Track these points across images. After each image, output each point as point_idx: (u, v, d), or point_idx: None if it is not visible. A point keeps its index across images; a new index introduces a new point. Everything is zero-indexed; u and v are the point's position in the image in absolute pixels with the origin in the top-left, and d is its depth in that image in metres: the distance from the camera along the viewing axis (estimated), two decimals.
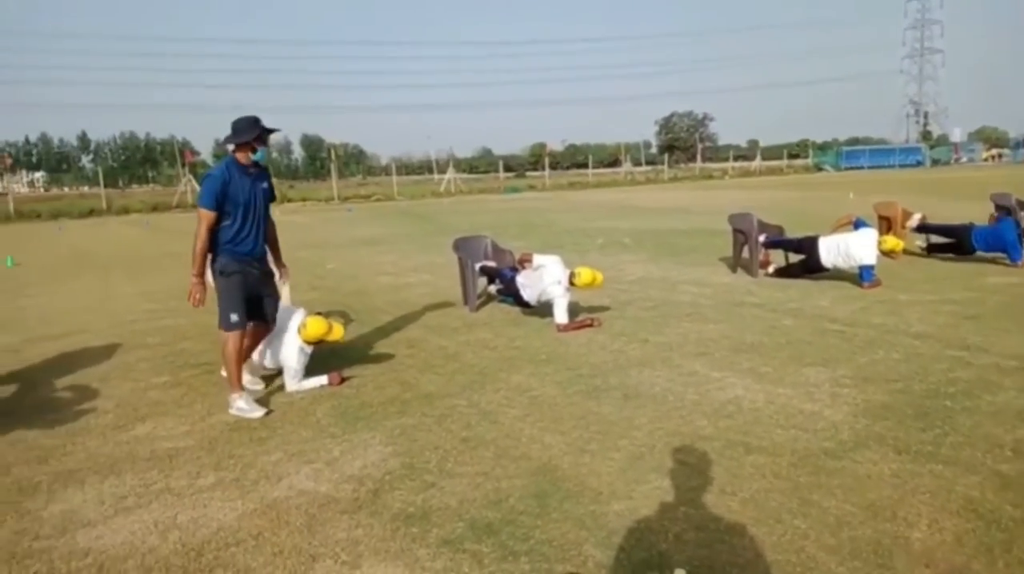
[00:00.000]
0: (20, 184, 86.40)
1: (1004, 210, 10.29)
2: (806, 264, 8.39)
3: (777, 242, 8.97)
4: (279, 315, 5.16)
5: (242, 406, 4.51)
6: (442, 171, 50.84)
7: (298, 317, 5.05)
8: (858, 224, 8.24)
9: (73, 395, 5.09)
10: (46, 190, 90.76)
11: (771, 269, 8.90)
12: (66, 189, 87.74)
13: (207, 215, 4.45)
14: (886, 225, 10.25)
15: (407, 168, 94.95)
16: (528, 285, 6.80)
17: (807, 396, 4.43)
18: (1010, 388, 4.39)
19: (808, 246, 8.33)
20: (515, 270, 7.11)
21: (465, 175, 46.93)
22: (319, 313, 5.30)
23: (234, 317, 4.54)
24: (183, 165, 44.50)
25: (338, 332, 5.06)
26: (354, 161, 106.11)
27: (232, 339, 4.54)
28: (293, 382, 4.94)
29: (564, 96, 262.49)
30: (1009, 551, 2.64)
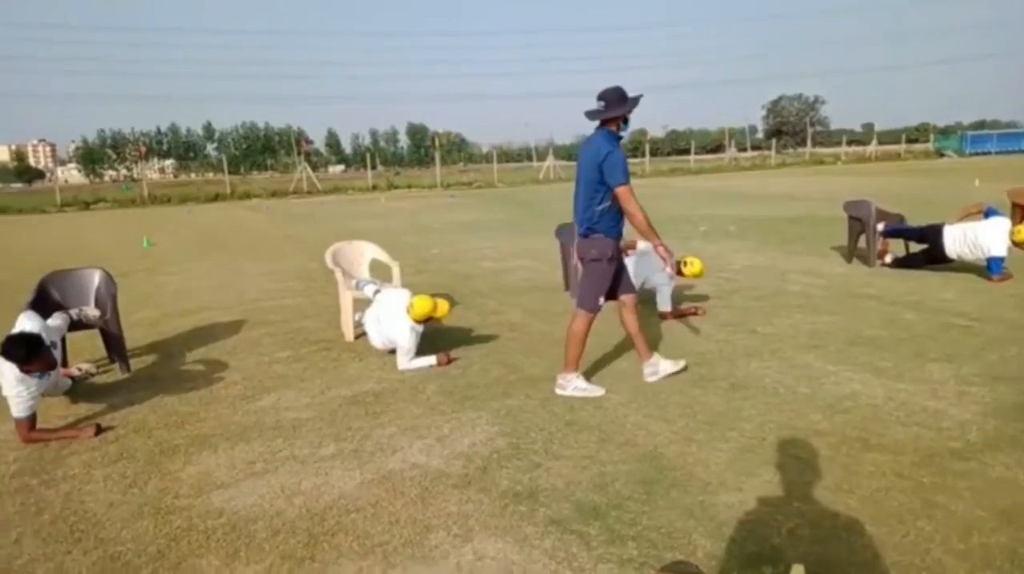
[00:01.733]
0: (152, 171, 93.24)
1: None
2: (929, 254, 7.90)
3: (897, 231, 8.48)
4: (391, 296, 5.38)
5: (581, 385, 4.48)
6: (541, 158, 50.83)
7: (405, 298, 5.24)
8: (989, 212, 7.66)
9: (205, 366, 5.49)
10: (175, 176, 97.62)
11: (889, 259, 8.42)
12: (193, 175, 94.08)
13: (629, 189, 4.27)
14: (1020, 214, 9.46)
15: (507, 156, 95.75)
16: (631, 272, 6.72)
17: (930, 393, 4.20)
18: None
19: (932, 235, 7.83)
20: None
21: (564, 162, 46.59)
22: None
23: (601, 300, 4.49)
24: (299, 153, 46.52)
25: (443, 308, 5.20)
26: (456, 149, 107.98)
27: (588, 320, 4.49)
28: (404, 360, 5.14)
29: (665, 82, 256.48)
30: None
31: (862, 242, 8.74)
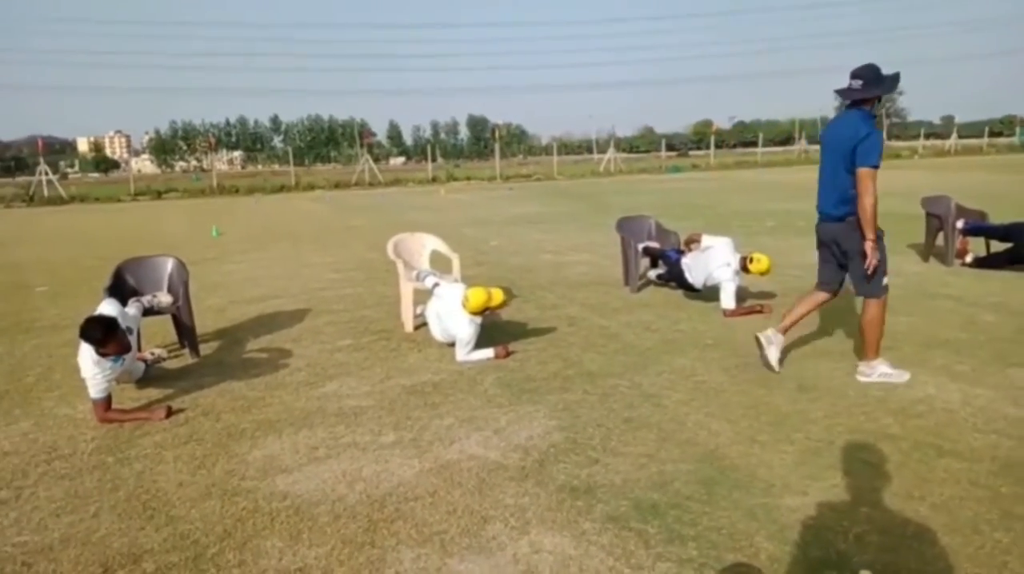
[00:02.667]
0: (221, 162, 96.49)
1: None
2: (1013, 253, 7.49)
3: (978, 228, 8.09)
4: (447, 291, 5.41)
5: (887, 371, 4.39)
6: (602, 150, 50.43)
7: (460, 292, 5.26)
8: None
9: (270, 353, 5.65)
10: (243, 167, 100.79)
11: (969, 258, 8.03)
12: (260, 167, 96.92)
13: (876, 174, 4.12)
14: None
15: (567, 148, 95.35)
16: (694, 267, 6.62)
17: (1011, 400, 3.99)
18: None
19: (1017, 233, 7.44)
20: (680, 252, 6.94)
21: (625, 154, 46.17)
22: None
23: (886, 280, 4.36)
24: (362, 145, 47.34)
25: (498, 297, 5.19)
26: (516, 141, 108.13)
27: (884, 305, 4.39)
28: (463, 352, 5.17)
29: (730, 71, 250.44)
30: None
31: (940, 240, 8.36)
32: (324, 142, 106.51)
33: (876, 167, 4.10)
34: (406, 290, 6.08)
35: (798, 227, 12.57)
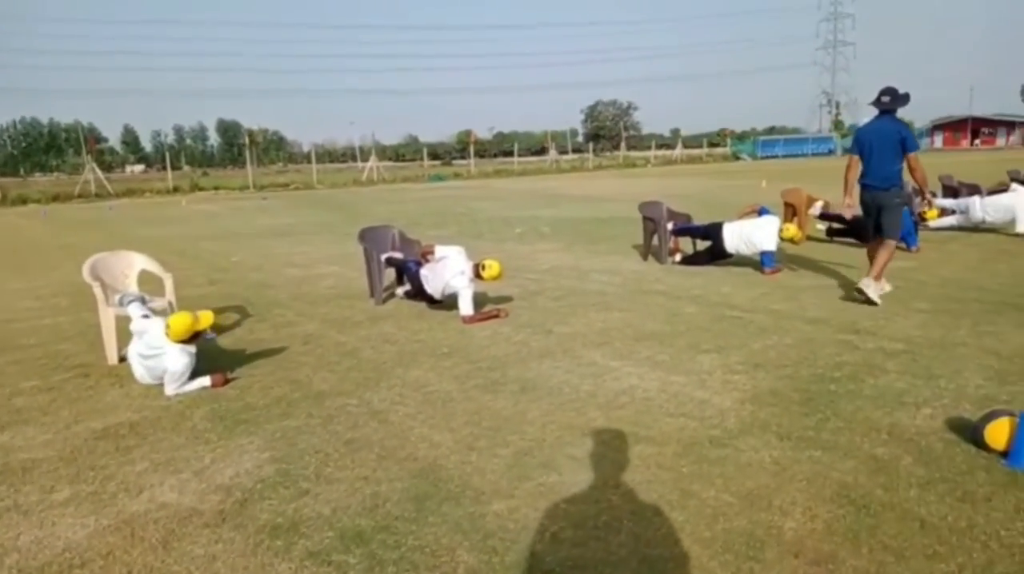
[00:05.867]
0: None
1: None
2: (712, 251, 8.53)
3: (685, 229, 9.10)
4: (148, 326, 4.80)
5: (877, 290, 6.28)
6: (365, 159, 49.75)
7: (161, 323, 4.73)
8: (762, 212, 8.43)
9: None
10: None
11: (678, 257, 9.01)
12: None
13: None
14: (792, 212, 10.55)
15: (330, 156, 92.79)
16: (432, 278, 6.63)
17: (699, 383, 4.46)
18: (892, 371, 4.52)
19: (714, 233, 8.46)
20: (419, 263, 6.92)
21: (389, 163, 46.00)
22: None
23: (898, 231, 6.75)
24: (88, 152, 42.07)
25: (206, 318, 4.75)
26: (275, 148, 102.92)
27: (894, 246, 6.56)
28: (174, 386, 4.63)
29: (492, 83, 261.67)
30: (874, 537, 2.68)
31: (656, 241, 9.27)
32: (44, 149, 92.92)
33: (918, 149, 6.40)
34: (106, 317, 5.35)
35: (542, 232, 13.33)
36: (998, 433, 3.26)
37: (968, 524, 2.73)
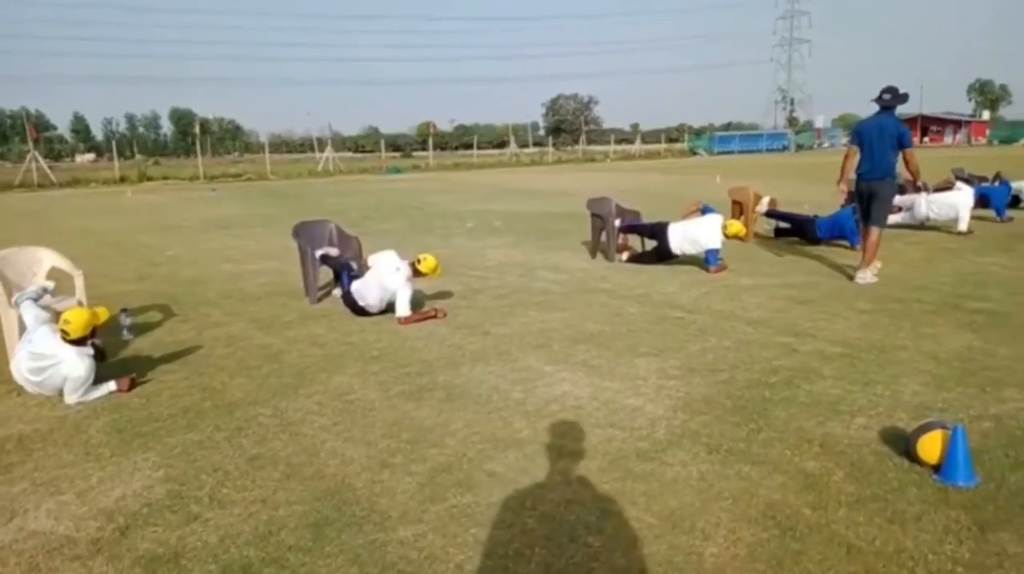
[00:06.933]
0: None
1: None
2: (658, 250, 8.39)
3: (633, 227, 8.96)
4: (38, 336, 4.42)
5: (870, 277, 7.03)
6: (322, 149, 48.81)
7: (53, 329, 4.40)
8: (705, 210, 8.32)
9: None
10: None
11: (625, 255, 8.86)
12: None
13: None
14: (739, 209, 10.51)
15: (287, 146, 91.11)
16: (364, 290, 6.23)
17: (633, 390, 4.29)
18: (828, 376, 4.42)
19: (660, 232, 8.33)
20: (352, 277, 6.51)
21: (348, 154, 45.18)
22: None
23: (888, 220, 7.46)
24: (34, 140, 40.40)
25: (103, 313, 4.53)
26: (230, 137, 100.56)
27: (881, 233, 7.12)
28: (77, 395, 4.28)
29: (453, 75, 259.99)
30: (798, 563, 2.52)
31: (604, 237, 9.12)
32: None
33: (913, 146, 7.10)
34: (8, 319, 4.96)
35: (494, 227, 13.09)
36: (930, 447, 3.15)
37: (896, 548, 2.59)
